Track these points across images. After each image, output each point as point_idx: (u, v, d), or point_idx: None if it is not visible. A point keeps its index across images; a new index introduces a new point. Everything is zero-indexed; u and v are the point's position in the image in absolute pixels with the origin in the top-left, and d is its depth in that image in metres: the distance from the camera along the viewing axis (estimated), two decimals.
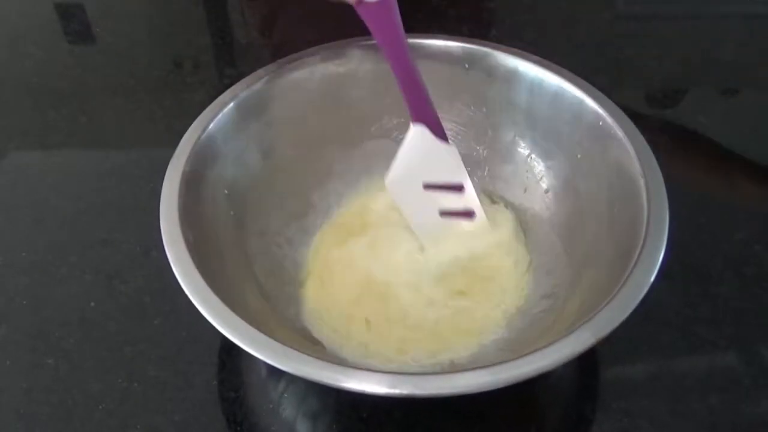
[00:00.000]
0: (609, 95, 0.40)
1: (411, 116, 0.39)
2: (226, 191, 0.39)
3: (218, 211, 0.38)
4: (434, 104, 0.40)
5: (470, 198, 0.42)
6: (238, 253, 0.39)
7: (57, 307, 0.41)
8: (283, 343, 0.29)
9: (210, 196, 0.38)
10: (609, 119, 0.38)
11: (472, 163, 0.46)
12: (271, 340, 0.29)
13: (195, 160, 0.37)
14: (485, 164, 0.46)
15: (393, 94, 0.46)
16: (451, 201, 0.42)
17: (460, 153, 0.46)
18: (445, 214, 0.42)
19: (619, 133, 0.38)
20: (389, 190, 0.41)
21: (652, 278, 0.31)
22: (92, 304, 0.41)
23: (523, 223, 0.44)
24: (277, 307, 0.38)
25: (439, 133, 0.40)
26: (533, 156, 0.44)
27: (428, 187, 0.41)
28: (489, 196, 0.45)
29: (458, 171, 0.41)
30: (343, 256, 0.42)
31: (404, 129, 0.47)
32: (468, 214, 0.42)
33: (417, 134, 0.39)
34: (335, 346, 0.37)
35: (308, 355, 0.28)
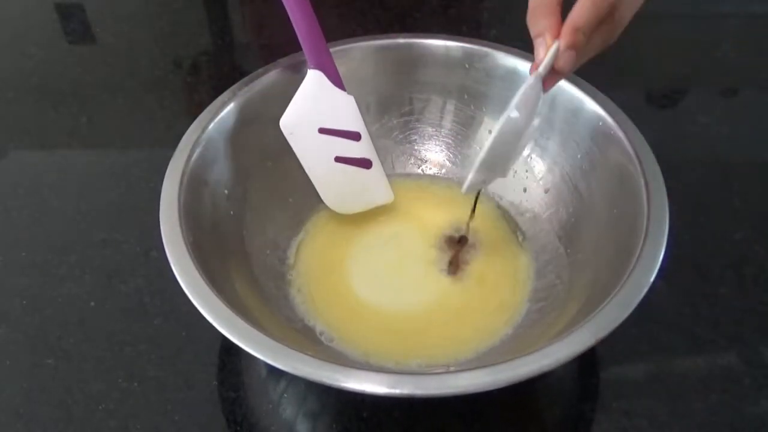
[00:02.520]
0: (609, 95, 0.40)
1: (308, 62, 0.40)
2: (226, 191, 0.39)
3: (218, 211, 0.38)
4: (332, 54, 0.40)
5: (367, 148, 0.43)
6: (238, 253, 0.39)
7: (57, 307, 0.41)
8: (283, 342, 0.29)
9: (210, 196, 0.38)
10: (609, 119, 0.38)
11: (472, 164, 0.46)
12: (270, 340, 0.29)
13: (195, 160, 0.37)
14: None
15: (393, 94, 0.46)
16: (347, 148, 0.42)
17: (459, 153, 0.46)
18: (341, 159, 0.42)
19: (619, 133, 0.38)
20: (283, 131, 0.40)
21: (652, 278, 0.31)
22: (92, 304, 0.41)
23: (523, 223, 0.44)
24: (276, 307, 0.38)
25: (337, 81, 0.40)
26: (533, 156, 0.44)
27: (324, 131, 0.41)
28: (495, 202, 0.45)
29: (355, 120, 0.42)
30: (343, 256, 0.42)
31: (405, 129, 0.47)
32: (364, 162, 0.43)
33: (313, 79, 0.40)
34: (335, 346, 0.37)
35: (308, 355, 0.28)
